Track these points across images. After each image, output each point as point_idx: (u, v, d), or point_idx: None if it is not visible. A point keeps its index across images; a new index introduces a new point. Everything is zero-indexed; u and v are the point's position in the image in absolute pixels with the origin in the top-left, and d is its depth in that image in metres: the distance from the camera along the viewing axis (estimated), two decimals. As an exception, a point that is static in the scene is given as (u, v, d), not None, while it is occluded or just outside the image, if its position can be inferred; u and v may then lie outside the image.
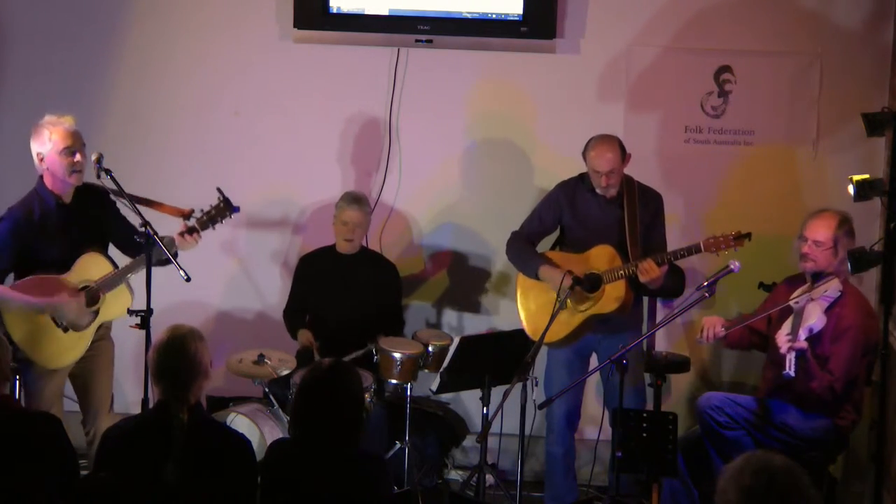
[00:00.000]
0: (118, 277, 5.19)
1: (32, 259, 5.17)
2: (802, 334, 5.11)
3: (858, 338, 5.19)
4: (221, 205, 5.28)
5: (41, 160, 5.16)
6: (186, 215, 5.26)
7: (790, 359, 5.02)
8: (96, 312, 5.21)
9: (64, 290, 5.11)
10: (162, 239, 5.01)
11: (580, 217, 5.66)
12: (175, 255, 5.11)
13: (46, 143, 5.13)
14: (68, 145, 5.13)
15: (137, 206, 5.09)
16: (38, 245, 5.17)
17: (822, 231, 5.28)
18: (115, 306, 5.22)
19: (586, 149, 5.58)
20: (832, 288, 5.23)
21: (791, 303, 5.29)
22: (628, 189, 5.58)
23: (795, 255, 5.39)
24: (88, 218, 5.27)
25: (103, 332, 5.36)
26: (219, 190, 5.30)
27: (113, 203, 5.31)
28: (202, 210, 5.30)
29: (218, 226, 5.37)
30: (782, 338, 5.12)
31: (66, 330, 5.17)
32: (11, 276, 5.26)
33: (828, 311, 5.21)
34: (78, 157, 5.15)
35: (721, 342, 5.55)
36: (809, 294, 5.25)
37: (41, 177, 5.22)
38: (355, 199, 6.04)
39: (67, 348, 5.19)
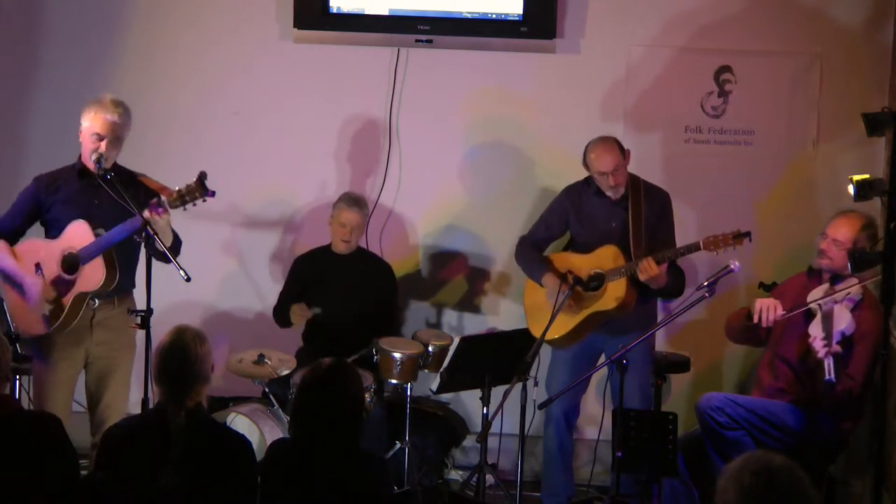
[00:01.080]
0: (95, 247, 5.12)
1: (46, 220, 5.27)
2: (836, 337, 5.10)
3: (876, 343, 5.18)
4: (194, 185, 5.01)
5: (80, 133, 5.24)
6: (165, 194, 5.09)
7: (829, 364, 4.98)
8: (74, 280, 5.16)
9: (53, 266, 5.15)
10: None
11: (586, 220, 5.67)
12: (172, 250, 5.07)
13: (86, 121, 5.21)
14: (98, 132, 5.17)
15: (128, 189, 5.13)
16: (51, 207, 5.24)
17: (843, 231, 5.28)
18: (89, 278, 5.15)
19: (585, 154, 5.58)
20: (855, 290, 5.22)
21: (812, 305, 5.28)
22: (634, 189, 5.59)
23: (813, 249, 5.38)
24: (107, 197, 5.21)
25: (120, 344, 5.30)
26: (201, 173, 5.03)
27: (138, 191, 5.25)
28: (177, 189, 5.08)
29: (194, 206, 5.14)
30: (818, 342, 5.08)
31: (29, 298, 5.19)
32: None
33: (851, 311, 5.21)
34: (102, 146, 5.16)
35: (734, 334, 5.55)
36: (833, 297, 5.23)
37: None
38: (355, 201, 6.03)
39: (45, 315, 5.15)
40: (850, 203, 5.15)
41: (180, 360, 3.98)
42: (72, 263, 5.15)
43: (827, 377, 4.98)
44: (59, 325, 5.16)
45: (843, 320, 5.14)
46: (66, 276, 5.16)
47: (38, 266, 5.17)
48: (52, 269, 5.16)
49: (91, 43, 6.44)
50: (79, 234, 5.15)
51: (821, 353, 5.03)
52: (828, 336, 5.08)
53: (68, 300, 5.16)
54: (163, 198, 5.03)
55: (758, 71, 6.27)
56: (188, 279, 4.96)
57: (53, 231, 5.24)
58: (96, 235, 5.13)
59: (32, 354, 5.31)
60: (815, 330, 5.13)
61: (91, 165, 5.19)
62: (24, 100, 6.50)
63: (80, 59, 6.43)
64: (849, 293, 5.20)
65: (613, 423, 4.92)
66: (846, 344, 5.13)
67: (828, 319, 5.17)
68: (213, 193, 5.03)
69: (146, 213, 5.00)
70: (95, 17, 6.44)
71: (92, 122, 5.18)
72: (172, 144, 6.47)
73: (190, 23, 6.44)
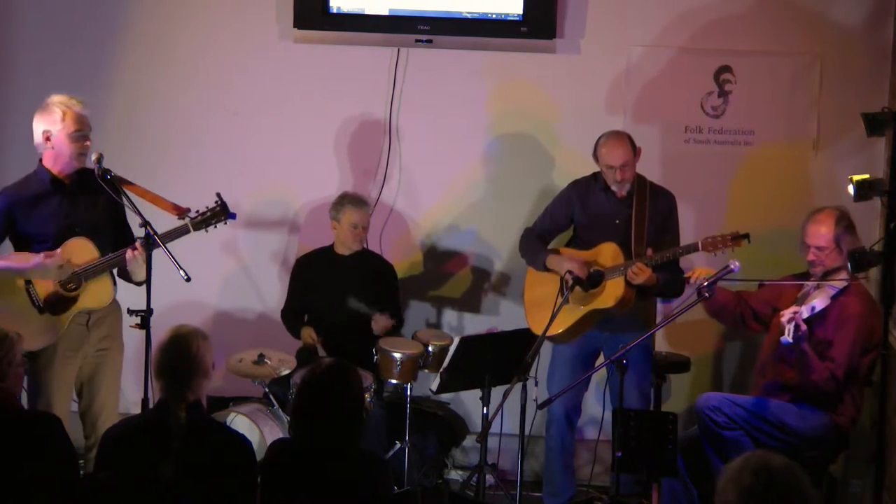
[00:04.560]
0: (102, 266, 5.14)
1: (25, 236, 5.15)
2: (805, 311, 5.13)
3: (861, 329, 5.20)
4: (218, 209, 5.18)
5: (47, 139, 5.09)
6: (182, 214, 5.18)
7: (789, 328, 5.02)
8: (75, 298, 5.14)
9: (50, 280, 5.10)
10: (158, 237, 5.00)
11: (591, 215, 5.69)
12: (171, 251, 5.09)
13: (57, 124, 5.07)
14: (79, 129, 5.10)
15: (137, 197, 5.09)
16: (31, 221, 5.13)
17: (821, 235, 5.29)
18: (96, 296, 5.16)
19: (597, 147, 5.60)
20: (839, 279, 5.25)
21: (798, 294, 5.33)
22: (640, 188, 5.60)
23: (803, 260, 5.39)
24: (84, 201, 5.21)
25: (110, 343, 5.29)
26: (218, 195, 5.21)
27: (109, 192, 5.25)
28: (198, 211, 5.22)
29: (215, 228, 5.24)
30: (786, 313, 5.12)
31: (42, 311, 5.11)
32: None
33: (833, 298, 5.24)
34: (87, 142, 5.13)
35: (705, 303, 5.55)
36: (817, 283, 5.28)
37: (41, 158, 5.18)
38: (360, 201, 6.03)
39: (42, 330, 5.10)
40: (850, 202, 5.16)
41: (181, 352, 4.01)
42: (75, 281, 5.12)
43: (783, 338, 5.00)
44: (56, 340, 5.14)
45: (817, 298, 5.22)
46: (63, 293, 5.12)
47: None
48: (49, 285, 5.11)
49: (91, 43, 6.44)
50: (81, 250, 5.13)
51: (784, 317, 5.04)
52: (798, 307, 5.15)
53: (68, 317, 5.14)
54: (187, 222, 5.08)
55: (758, 71, 6.27)
56: (188, 279, 4.97)
57: (37, 246, 5.13)
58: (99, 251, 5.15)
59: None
60: (786, 311, 5.17)
61: (64, 172, 5.12)
62: (22, 101, 6.49)
63: (80, 59, 6.43)
64: (831, 282, 5.25)
65: (613, 423, 4.92)
66: (818, 321, 5.16)
67: (803, 297, 5.27)
68: (234, 215, 5.20)
69: (128, 253, 5.03)
70: (95, 17, 6.44)
71: (66, 124, 5.07)
72: (172, 144, 6.47)
73: (190, 23, 6.44)
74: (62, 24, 6.45)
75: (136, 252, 5.03)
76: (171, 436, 3.92)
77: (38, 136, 5.13)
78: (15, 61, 6.49)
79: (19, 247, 5.21)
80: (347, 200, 6.03)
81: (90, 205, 5.22)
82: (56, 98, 5.12)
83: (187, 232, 5.15)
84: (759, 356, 5.57)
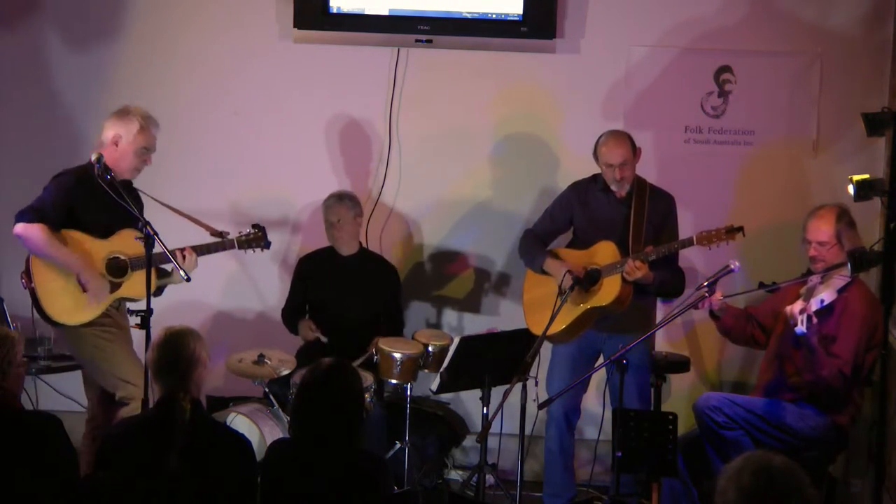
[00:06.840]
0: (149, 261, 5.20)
1: (77, 219, 5.24)
2: (814, 304, 5.13)
3: (865, 325, 5.20)
4: (259, 234, 5.57)
5: (115, 143, 5.27)
6: (220, 235, 5.44)
7: (802, 318, 5.03)
8: (119, 284, 5.24)
9: (96, 265, 5.21)
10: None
11: (590, 215, 5.69)
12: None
13: (131, 133, 5.27)
14: (148, 147, 5.31)
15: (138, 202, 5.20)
16: (88, 206, 5.24)
17: (822, 231, 5.30)
18: (136, 286, 5.22)
19: (597, 146, 5.61)
20: (842, 274, 5.26)
21: (802, 290, 5.33)
22: (639, 189, 5.61)
23: (805, 257, 5.40)
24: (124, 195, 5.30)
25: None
26: (257, 225, 5.60)
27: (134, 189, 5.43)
28: (240, 232, 5.53)
29: (252, 252, 5.62)
30: (795, 307, 5.12)
31: (85, 290, 5.20)
32: None
33: (839, 292, 5.24)
34: (149, 161, 5.35)
35: (717, 323, 5.58)
36: (820, 278, 5.29)
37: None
38: (339, 197, 6.05)
39: (81, 307, 5.21)
40: (851, 203, 5.16)
41: (176, 348, 4.04)
42: (119, 268, 5.23)
43: (798, 328, 5.00)
44: (92, 319, 5.24)
45: (824, 291, 5.22)
46: (109, 278, 5.22)
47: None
48: (97, 266, 5.23)
49: (91, 42, 6.44)
50: (130, 241, 5.21)
51: (796, 308, 5.05)
52: (805, 299, 5.15)
53: (108, 301, 5.24)
54: (223, 239, 5.41)
55: (758, 71, 6.27)
56: (188, 279, 4.98)
57: (94, 231, 5.26)
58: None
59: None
60: (796, 304, 5.17)
61: (128, 176, 5.29)
62: (24, 100, 6.49)
63: (80, 58, 6.43)
64: (834, 276, 5.25)
65: (613, 423, 4.92)
66: (824, 315, 5.15)
67: (809, 291, 5.27)
68: (269, 244, 5.64)
69: (185, 257, 5.23)
70: (95, 16, 6.44)
71: (141, 138, 5.29)
72: (172, 144, 6.42)
73: (190, 23, 6.44)
74: (62, 25, 6.44)
75: (188, 255, 5.25)
76: (174, 430, 3.92)
77: (106, 136, 5.30)
78: (14, 62, 6.49)
79: (69, 227, 5.25)
80: (326, 199, 6.07)
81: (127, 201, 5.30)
82: (138, 110, 5.34)
83: (229, 248, 5.48)
84: (766, 354, 5.56)
